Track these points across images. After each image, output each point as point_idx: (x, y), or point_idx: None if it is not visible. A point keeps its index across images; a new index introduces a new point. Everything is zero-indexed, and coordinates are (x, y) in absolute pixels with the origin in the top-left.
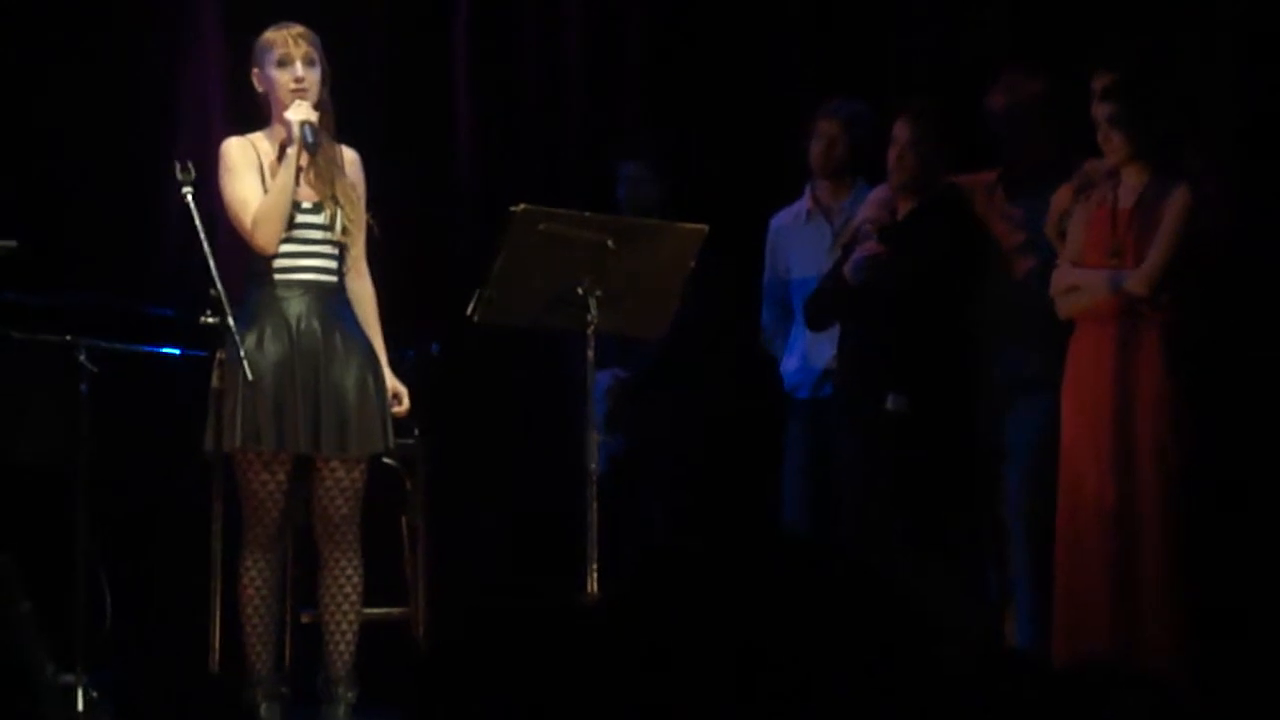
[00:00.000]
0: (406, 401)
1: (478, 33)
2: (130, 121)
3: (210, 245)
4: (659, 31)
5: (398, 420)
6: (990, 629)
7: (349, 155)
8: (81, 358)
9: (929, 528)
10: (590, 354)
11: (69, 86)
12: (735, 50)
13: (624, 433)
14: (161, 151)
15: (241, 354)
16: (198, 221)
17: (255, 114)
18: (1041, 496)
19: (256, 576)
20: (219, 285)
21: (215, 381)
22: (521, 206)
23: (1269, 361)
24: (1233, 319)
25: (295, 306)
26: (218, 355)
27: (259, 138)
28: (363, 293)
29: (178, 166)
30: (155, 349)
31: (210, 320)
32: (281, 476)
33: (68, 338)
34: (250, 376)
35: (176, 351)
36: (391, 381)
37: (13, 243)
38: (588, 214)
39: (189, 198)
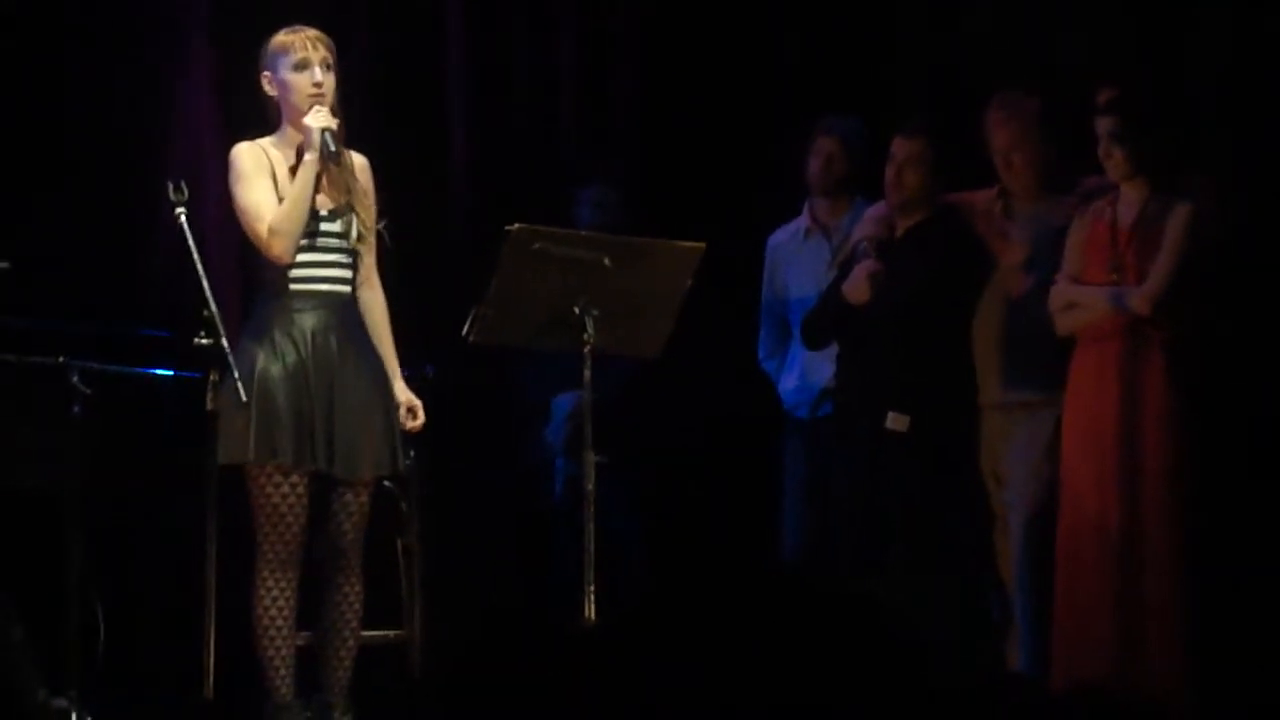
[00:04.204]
0: (422, 415)
1: (473, 52)
2: (122, 142)
3: (204, 266)
4: (656, 48)
5: (405, 436)
6: (990, 652)
7: (359, 161)
8: (74, 380)
9: (929, 547)
10: (587, 374)
11: (60, 107)
12: (733, 67)
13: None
14: (154, 171)
15: (235, 376)
16: (191, 242)
17: (257, 120)
18: (1042, 516)
19: (279, 596)
20: (213, 307)
21: (210, 404)
22: (516, 226)
23: (1274, 377)
24: (1237, 334)
25: (309, 319)
26: (211, 377)
27: (269, 144)
28: (374, 303)
29: (170, 187)
30: (148, 371)
31: (204, 342)
32: (301, 490)
33: (60, 360)
34: (245, 398)
35: (170, 373)
36: (406, 395)
37: (5, 264)
38: (583, 233)
39: (182, 218)
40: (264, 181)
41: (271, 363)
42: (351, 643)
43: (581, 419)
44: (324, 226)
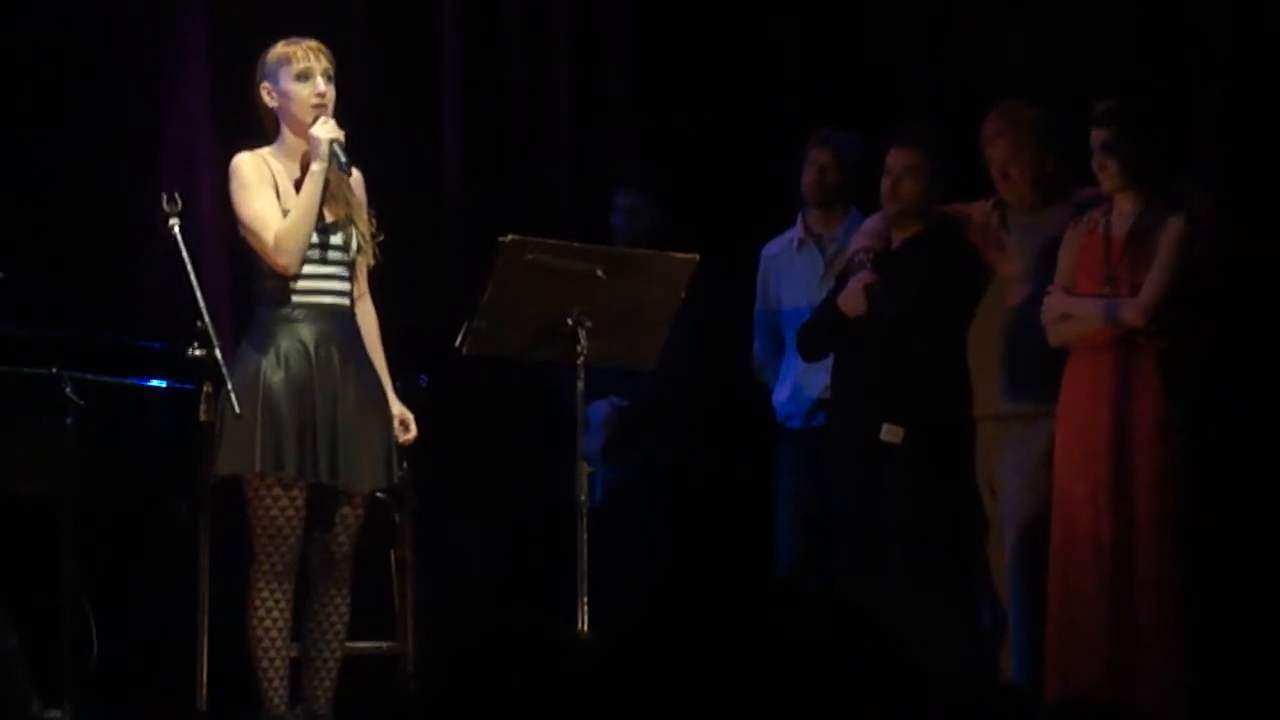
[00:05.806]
0: (414, 428)
1: (466, 61)
2: (116, 152)
3: (197, 277)
4: (649, 59)
5: (398, 448)
6: (984, 662)
7: (353, 174)
8: (67, 390)
9: (923, 559)
10: (580, 385)
11: (53, 118)
12: (726, 78)
13: (621, 462)
14: (148, 182)
15: (230, 387)
16: (185, 254)
17: (252, 131)
18: (1036, 527)
19: (274, 608)
20: (206, 318)
21: (203, 415)
22: (510, 237)
23: (1267, 389)
24: (1229, 346)
25: (311, 330)
26: (205, 388)
27: (268, 154)
28: (367, 315)
29: (165, 198)
30: (141, 382)
31: (197, 353)
32: (300, 502)
33: (53, 370)
34: (238, 410)
35: (163, 384)
36: (398, 408)
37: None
38: (577, 244)
39: (176, 230)
40: (267, 192)
41: (275, 373)
42: (339, 654)
43: (615, 427)
44: (329, 238)
